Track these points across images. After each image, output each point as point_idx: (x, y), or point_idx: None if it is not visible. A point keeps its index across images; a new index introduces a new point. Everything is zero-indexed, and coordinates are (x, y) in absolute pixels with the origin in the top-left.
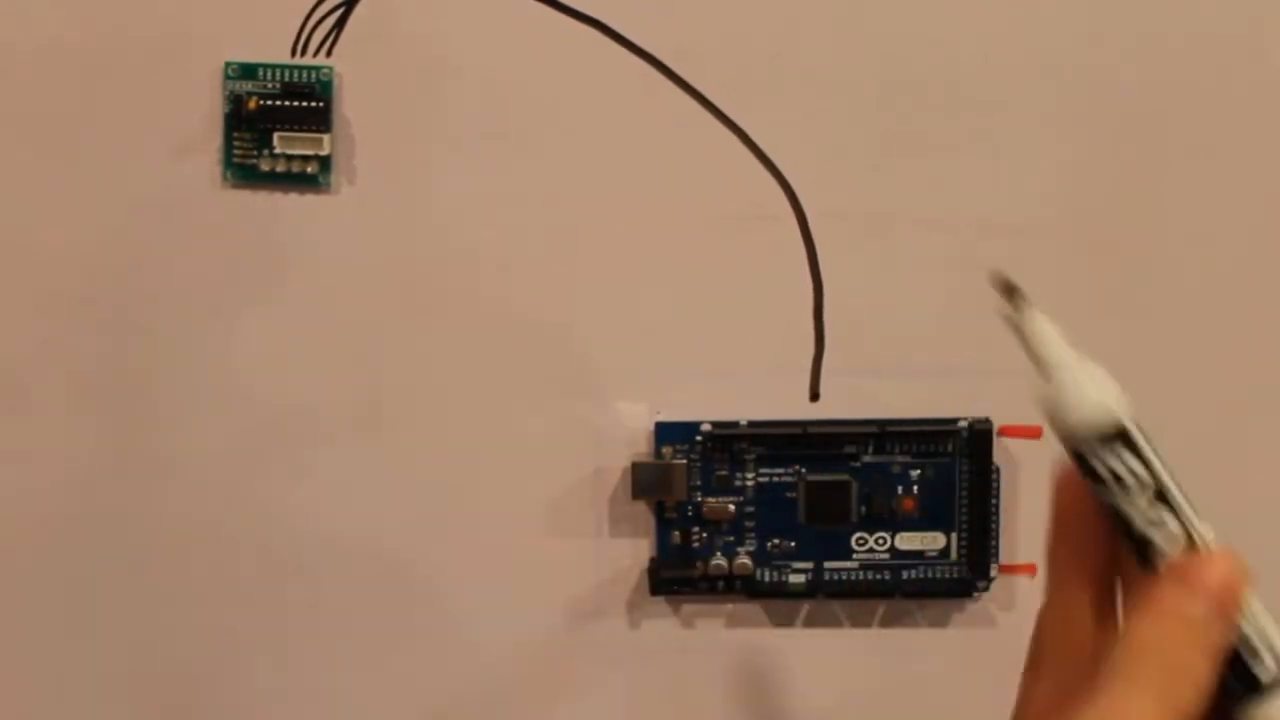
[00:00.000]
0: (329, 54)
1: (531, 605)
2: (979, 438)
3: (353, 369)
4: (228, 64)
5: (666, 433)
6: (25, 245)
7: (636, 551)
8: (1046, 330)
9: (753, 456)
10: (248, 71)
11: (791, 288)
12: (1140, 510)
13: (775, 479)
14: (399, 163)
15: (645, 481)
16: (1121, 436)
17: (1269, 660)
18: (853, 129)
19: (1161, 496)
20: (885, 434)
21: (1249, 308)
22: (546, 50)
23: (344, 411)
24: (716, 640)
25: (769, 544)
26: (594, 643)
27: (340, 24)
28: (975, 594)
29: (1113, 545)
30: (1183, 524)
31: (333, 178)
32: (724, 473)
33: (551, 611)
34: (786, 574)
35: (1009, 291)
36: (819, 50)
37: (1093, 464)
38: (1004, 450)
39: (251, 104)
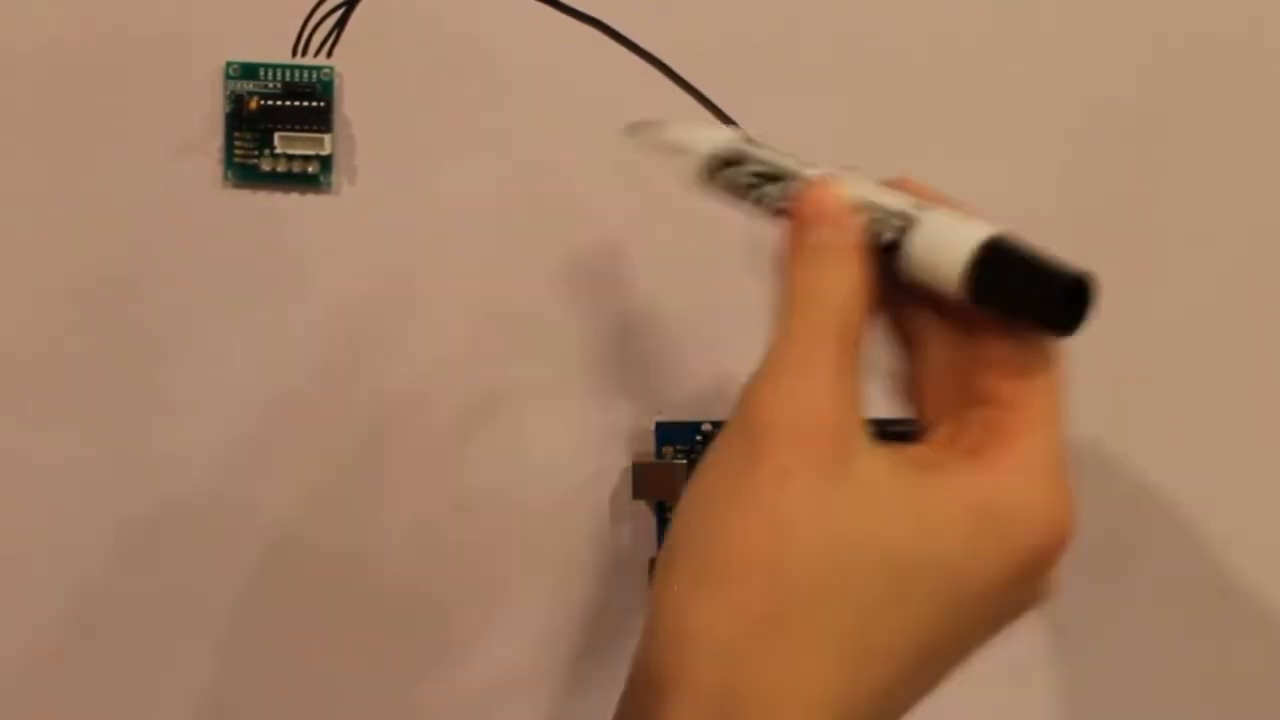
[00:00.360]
0: (330, 54)
1: (532, 606)
2: None
3: (353, 369)
4: (229, 64)
5: (666, 433)
6: (25, 245)
7: (637, 551)
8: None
9: None
10: (249, 71)
11: None
12: (773, 194)
13: None
14: (399, 163)
15: (645, 481)
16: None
17: (894, 220)
18: (853, 129)
19: (775, 177)
20: (885, 434)
21: (1249, 308)
22: (546, 50)
23: (344, 411)
24: None
25: None
26: (594, 643)
27: (341, 24)
28: None
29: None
30: (791, 177)
31: (333, 178)
32: None
33: (552, 612)
34: None
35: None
36: (819, 50)
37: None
38: None
39: (252, 104)
